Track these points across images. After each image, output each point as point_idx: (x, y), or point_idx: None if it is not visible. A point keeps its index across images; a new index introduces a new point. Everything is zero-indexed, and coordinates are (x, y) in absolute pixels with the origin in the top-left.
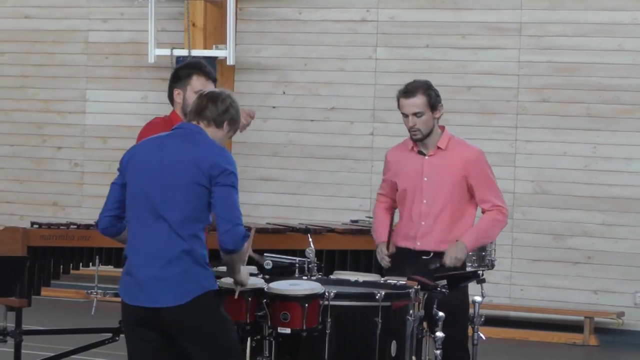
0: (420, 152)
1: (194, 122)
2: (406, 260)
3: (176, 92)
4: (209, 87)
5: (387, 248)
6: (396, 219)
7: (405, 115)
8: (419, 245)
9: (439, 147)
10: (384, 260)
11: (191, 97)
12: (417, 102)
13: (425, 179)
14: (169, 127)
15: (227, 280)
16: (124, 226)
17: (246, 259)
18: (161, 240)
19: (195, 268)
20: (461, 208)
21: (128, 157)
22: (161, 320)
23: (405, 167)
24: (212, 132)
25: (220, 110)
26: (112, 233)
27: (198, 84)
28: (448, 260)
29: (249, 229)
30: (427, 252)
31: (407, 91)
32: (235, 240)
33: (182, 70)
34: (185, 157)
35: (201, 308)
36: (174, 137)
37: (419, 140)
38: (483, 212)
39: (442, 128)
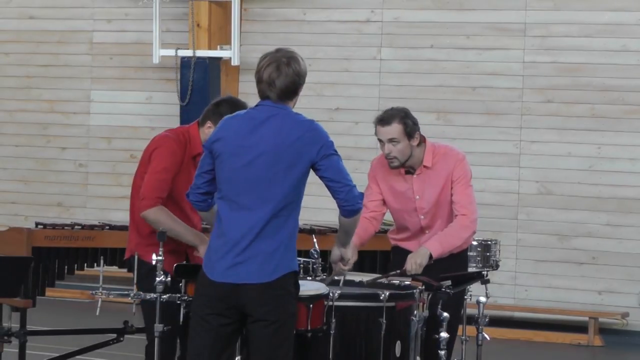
0: (407, 172)
1: (272, 99)
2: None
3: (208, 124)
4: None
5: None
6: (388, 216)
7: (382, 142)
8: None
9: (424, 166)
10: (338, 266)
11: None
12: (393, 130)
13: (417, 197)
14: (183, 149)
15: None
16: (213, 203)
17: None
18: (255, 222)
19: (285, 249)
20: (450, 213)
21: (219, 134)
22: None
23: (395, 186)
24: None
25: (291, 79)
26: (202, 207)
27: None
28: (409, 266)
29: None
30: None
31: (383, 119)
32: (354, 201)
33: (224, 107)
34: (284, 138)
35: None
36: (263, 117)
37: (397, 168)
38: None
39: (424, 140)
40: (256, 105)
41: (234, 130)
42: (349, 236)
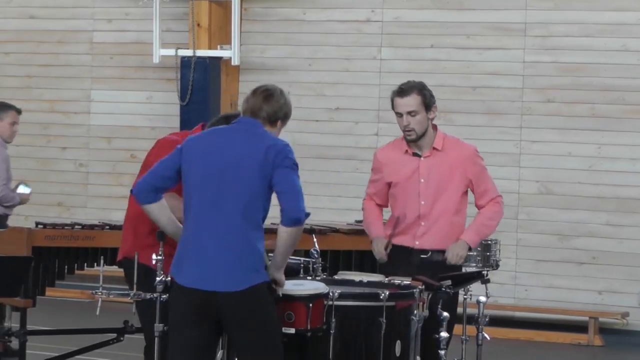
0: (415, 154)
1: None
2: (403, 258)
3: None
4: None
5: (386, 247)
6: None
7: (400, 115)
8: (417, 244)
9: (434, 148)
10: (381, 254)
11: None
12: (412, 101)
13: (422, 180)
14: None
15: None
16: (159, 197)
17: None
18: (225, 230)
19: (256, 257)
20: (457, 206)
21: (188, 145)
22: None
23: (400, 169)
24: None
25: (275, 108)
26: (144, 199)
27: None
28: (449, 257)
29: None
30: (425, 251)
31: (402, 90)
32: (298, 211)
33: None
34: (249, 148)
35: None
36: (236, 130)
37: (414, 141)
38: (479, 207)
39: (435, 127)
40: (234, 122)
41: (204, 142)
42: (286, 254)
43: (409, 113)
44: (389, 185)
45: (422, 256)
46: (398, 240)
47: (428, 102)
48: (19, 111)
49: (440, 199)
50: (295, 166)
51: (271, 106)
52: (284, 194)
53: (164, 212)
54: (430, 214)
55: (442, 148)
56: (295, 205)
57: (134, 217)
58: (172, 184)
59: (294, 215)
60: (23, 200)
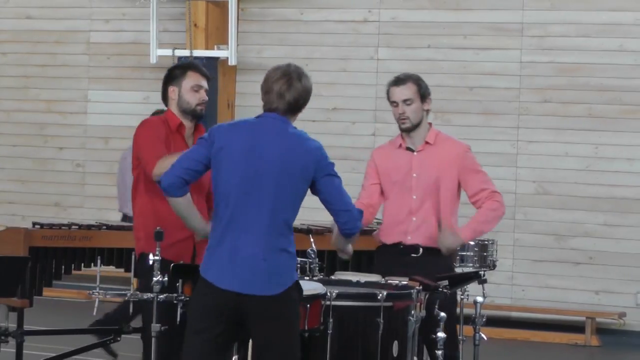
0: (408, 149)
1: (274, 111)
2: (394, 258)
3: (171, 89)
4: (203, 82)
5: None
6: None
7: (395, 104)
8: (409, 239)
9: (427, 142)
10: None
11: (187, 93)
12: (407, 90)
13: (414, 175)
14: (165, 127)
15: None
16: (187, 190)
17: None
18: (261, 232)
19: (289, 259)
20: (449, 203)
21: (222, 142)
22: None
23: (394, 164)
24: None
25: (296, 97)
26: (174, 193)
27: (192, 80)
28: (444, 250)
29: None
30: (417, 249)
31: (398, 80)
32: (354, 225)
33: (176, 70)
34: (286, 152)
35: (289, 298)
36: (269, 130)
37: (408, 130)
38: (478, 206)
39: (430, 125)
40: (260, 116)
41: (239, 141)
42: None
43: (404, 101)
44: (379, 188)
45: (412, 255)
46: (389, 239)
47: (423, 93)
48: None
49: (431, 194)
50: (334, 169)
51: (293, 95)
52: (334, 207)
53: (189, 206)
54: (421, 209)
55: (434, 142)
56: (349, 218)
57: (140, 215)
58: (200, 176)
59: (351, 231)
60: None
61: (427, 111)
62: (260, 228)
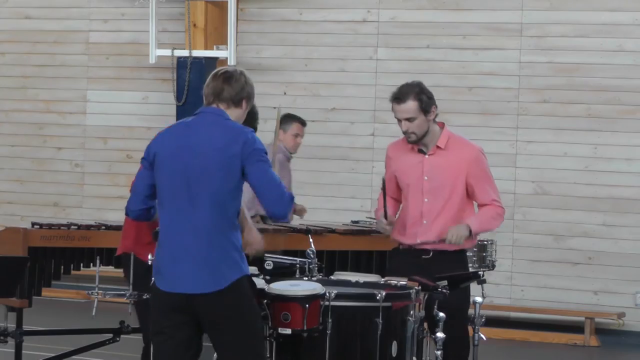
0: (420, 151)
1: (214, 105)
2: (405, 260)
3: None
4: None
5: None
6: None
7: (399, 120)
8: (418, 242)
9: (438, 147)
10: (382, 228)
11: None
12: (409, 107)
13: (426, 178)
14: None
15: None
16: (154, 212)
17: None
18: (199, 228)
19: (233, 252)
20: (461, 206)
21: (155, 148)
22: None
23: (406, 165)
24: (231, 113)
25: (236, 89)
26: (146, 219)
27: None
28: (449, 235)
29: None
30: (427, 251)
31: (398, 98)
32: (283, 207)
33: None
34: (217, 142)
35: (239, 292)
36: (200, 123)
37: (414, 143)
38: (481, 207)
39: (442, 125)
40: (196, 112)
41: (171, 138)
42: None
43: (407, 119)
44: (398, 180)
45: (423, 257)
46: (402, 240)
47: (425, 107)
48: (303, 123)
49: (443, 198)
50: (266, 155)
51: (232, 87)
52: (262, 191)
53: None
54: (432, 212)
55: (445, 147)
56: (277, 201)
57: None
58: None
59: (279, 214)
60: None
61: (434, 118)
62: (199, 225)
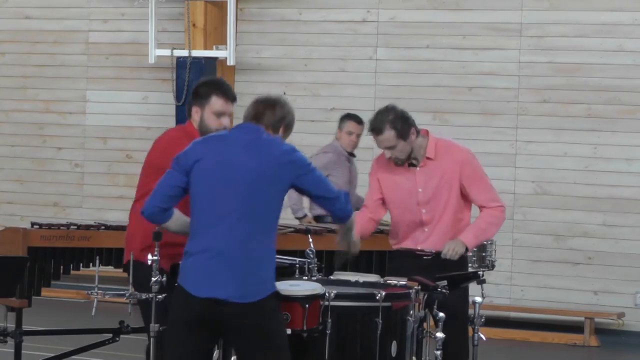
0: (411, 164)
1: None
2: (407, 261)
3: (194, 109)
4: (229, 108)
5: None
6: (386, 217)
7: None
8: (419, 248)
9: (428, 157)
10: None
11: (209, 118)
12: (386, 137)
13: (420, 190)
14: (189, 139)
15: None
16: (170, 214)
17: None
18: (238, 241)
19: (269, 268)
20: (459, 210)
21: (196, 156)
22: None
23: (398, 181)
24: None
25: (277, 116)
26: (157, 221)
27: (217, 105)
28: (445, 250)
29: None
30: (429, 253)
31: (374, 129)
32: (344, 209)
33: (202, 88)
34: (257, 159)
35: (268, 307)
36: (240, 137)
37: (402, 164)
38: (480, 209)
39: (426, 132)
40: (233, 128)
41: (213, 150)
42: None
43: (388, 148)
44: (382, 199)
45: (424, 257)
46: (400, 245)
47: (402, 134)
48: (359, 121)
49: (440, 206)
50: (310, 164)
51: (275, 113)
52: (321, 202)
53: (180, 221)
54: (432, 220)
55: (435, 156)
56: (342, 206)
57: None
58: (179, 200)
59: (345, 215)
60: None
61: (417, 135)
62: (236, 236)
